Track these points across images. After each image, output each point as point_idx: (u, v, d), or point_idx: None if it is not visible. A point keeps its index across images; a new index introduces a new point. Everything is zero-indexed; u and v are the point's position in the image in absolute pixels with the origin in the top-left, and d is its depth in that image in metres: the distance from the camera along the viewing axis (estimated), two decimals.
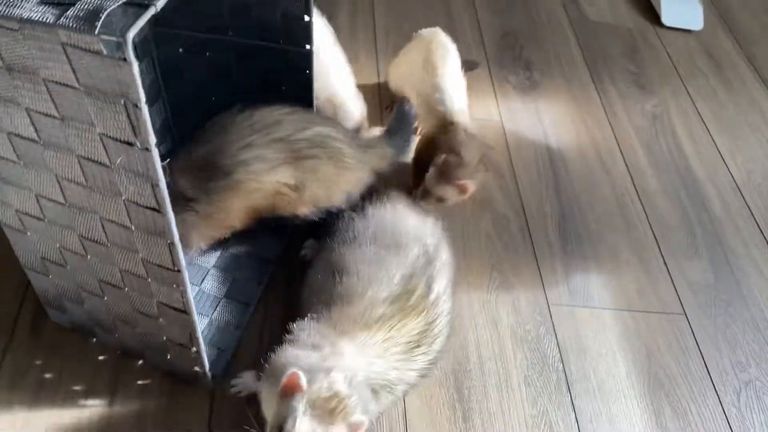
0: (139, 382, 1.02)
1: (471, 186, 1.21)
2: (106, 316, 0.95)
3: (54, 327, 1.06)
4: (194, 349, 0.91)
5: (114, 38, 0.54)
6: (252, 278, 1.16)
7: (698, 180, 1.61)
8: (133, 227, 0.75)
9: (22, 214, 0.83)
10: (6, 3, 0.59)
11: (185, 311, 0.83)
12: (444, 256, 1.08)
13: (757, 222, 1.54)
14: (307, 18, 1.03)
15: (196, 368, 0.95)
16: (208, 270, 1.16)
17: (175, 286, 0.79)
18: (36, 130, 0.70)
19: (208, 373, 0.97)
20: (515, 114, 1.64)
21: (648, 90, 1.82)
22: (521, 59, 1.79)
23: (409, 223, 1.08)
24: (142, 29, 0.57)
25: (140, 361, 1.03)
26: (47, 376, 1.00)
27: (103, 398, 1.00)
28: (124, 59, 0.57)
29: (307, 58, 1.09)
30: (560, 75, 1.78)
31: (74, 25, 0.56)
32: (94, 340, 1.05)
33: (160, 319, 0.89)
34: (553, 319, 1.26)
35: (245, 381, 1.02)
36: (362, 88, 1.39)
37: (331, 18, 1.68)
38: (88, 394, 1.00)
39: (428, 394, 1.12)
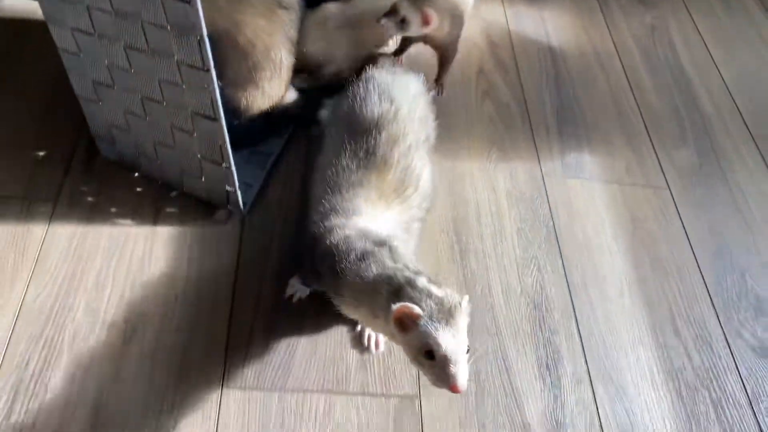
0: (178, 210, 1.17)
1: (434, 20, 1.29)
2: (148, 141, 1.10)
3: (104, 162, 1.21)
4: (224, 164, 1.05)
5: None
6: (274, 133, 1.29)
7: (691, 82, 1.72)
8: (168, 26, 0.88)
9: (76, 31, 0.96)
10: None
11: (215, 118, 0.97)
12: (419, 112, 1.15)
13: (744, 120, 1.65)
14: None
15: (228, 187, 1.09)
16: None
17: (205, 86, 0.93)
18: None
19: (239, 192, 1.11)
20: (521, 19, 1.76)
21: (649, 5, 1.92)
22: None
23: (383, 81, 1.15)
24: None
25: (177, 192, 1.19)
26: (99, 201, 1.16)
27: (147, 221, 1.15)
28: None
29: None
30: None
31: None
32: (137, 175, 1.20)
33: (195, 134, 1.03)
34: (546, 186, 1.39)
35: (298, 286, 1.08)
36: None
37: None
38: (134, 216, 1.16)
39: (432, 239, 1.26)
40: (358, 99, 1.11)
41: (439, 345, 0.79)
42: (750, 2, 2.03)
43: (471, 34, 1.66)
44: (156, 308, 1.06)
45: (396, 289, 0.84)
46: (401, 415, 1.03)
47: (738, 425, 1.12)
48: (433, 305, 0.81)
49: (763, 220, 1.44)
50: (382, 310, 0.85)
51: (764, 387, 1.18)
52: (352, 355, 1.08)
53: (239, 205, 1.15)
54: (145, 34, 0.91)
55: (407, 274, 0.86)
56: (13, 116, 1.26)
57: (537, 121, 1.51)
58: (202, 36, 0.86)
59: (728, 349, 1.21)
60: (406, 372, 1.07)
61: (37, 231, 1.11)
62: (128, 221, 1.15)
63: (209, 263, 1.13)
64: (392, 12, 1.28)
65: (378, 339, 1.07)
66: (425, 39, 1.40)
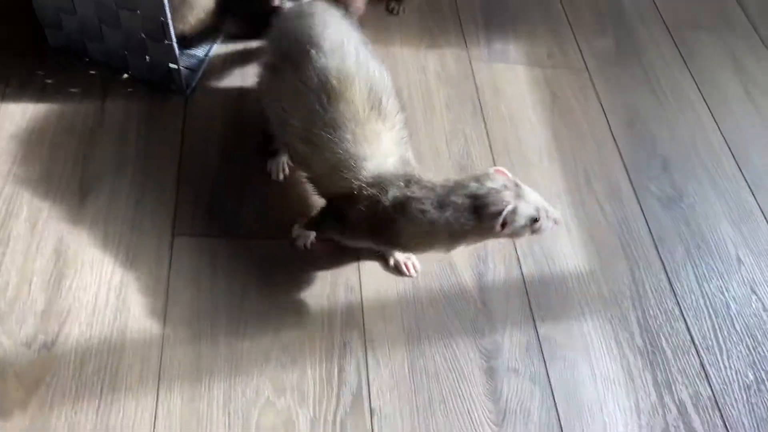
0: (126, 90, 1.26)
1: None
2: (94, 23, 1.17)
3: (52, 49, 1.28)
4: (167, 41, 1.13)
5: None
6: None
7: None
8: None
9: None
10: None
11: None
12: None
13: (658, 9, 1.78)
14: None
15: (171, 65, 1.18)
16: None
17: None
18: None
19: (182, 69, 1.19)
20: None
21: None
22: None
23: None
24: None
25: (125, 75, 1.26)
26: (49, 81, 1.23)
27: (96, 99, 1.23)
28: None
29: None
30: None
31: None
32: (87, 60, 1.27)
33: (138, 11, 1.10)
34: (474, 69, 1.50)
35: (301, 232, 1.11)
36: None
37: None
38: (83, 96, 1.23)
39: None
40: (288, 29, 1.07)
41: (536, 209, 0.95)
42: None
43: None
44: (109, 170, 1.15)
45: (470, 206, 0.94)
46: (341, 254, 1.14)
47: (644, 262, 1.26)
48: (504, 195, 0.93)
49: (673, 97, 1.57)
50: (472, 228, 0.94)
51: (667, 231, 1.32)
52: (296, 208, 1.18)
53: (182, 84, 1.23)
54: None
55: (461, 191, 0.95)
56: None
57: (465, 12, 1.61)
58: None
59: (636, 201, 1.35)
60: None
61: None
62: (78, 100, 1.22)
63: (157, 134, 1.21)
64: None
65: (414, 262, 1.14)
66: None
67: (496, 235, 0.96)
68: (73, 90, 1.24)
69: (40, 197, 1.10)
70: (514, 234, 0.96)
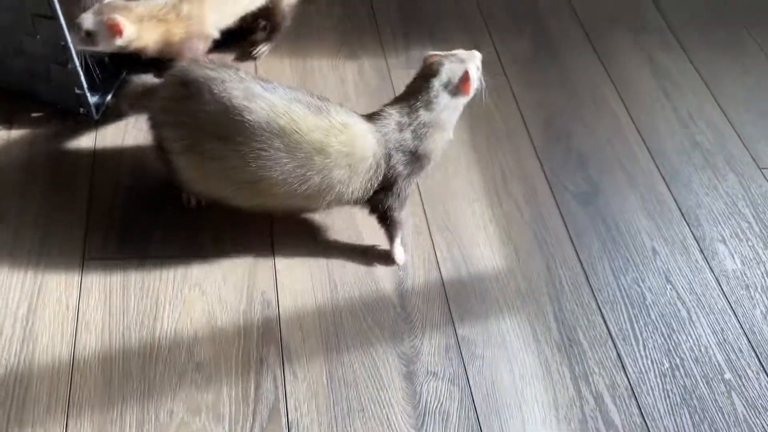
0: (33, 115, 1.24)
1: (125, 27, 1.16)
2: None
3: None
4: (70, 65, 1.12)
5: None
6: None
7: None
8: None
9: None
10: None
11: (53, 17, 1.04)
12: None
13: (575, 10, 1.82)
14: None
15: (77, 90, 1.17)
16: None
17: None
18: None
19: (88, 94, 1.18)
20: None
21: None
22: None
23: None
24: None
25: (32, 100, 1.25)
26: None
27: (2, 125, 1.21)
28: None
29: None
30: None
31: None
32: None
33: (38, 36, 1.09)
34: (392, 77, 1.52)
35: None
36: None
37: None
38: None
39: None
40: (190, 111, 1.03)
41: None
42: None
43: None
44: (16, 199, 1.13)
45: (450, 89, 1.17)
46: (256, 268, 1.14)
47: (560, 257, 1.29)
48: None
49: (589, 94, 1.62)
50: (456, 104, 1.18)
51: (583, 227, 1.35)
52: (209, 225, 1.18)
53: (91, 108, 1.22)
54: None
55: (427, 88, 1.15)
56: None
57: (383, 21, 1.63)
58: None
59: (553, 199, 1.38)
60: (258, 236, 1.19)
61: None
62: None
63: (67, 160, 1.20)
64: (74, 26, 1.12)
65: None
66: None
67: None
68: None
69: None
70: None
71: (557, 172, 1.43)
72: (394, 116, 1.13)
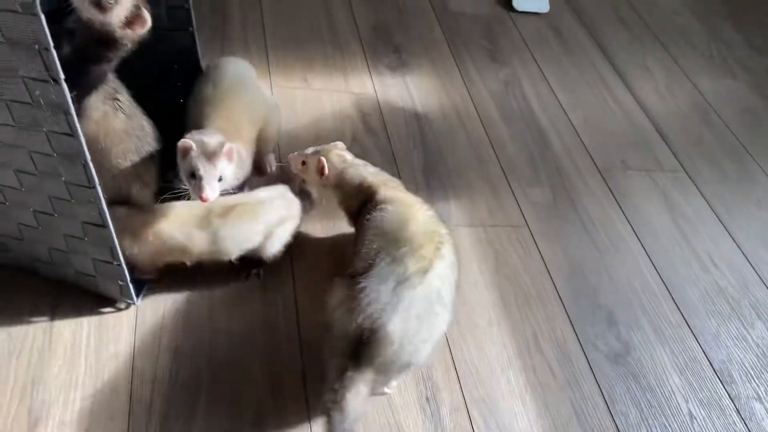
0: (75, 302, 1.27)
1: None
2: (42, 249, 1.20)
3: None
4: (116, 262, 1.16)
5: None
6: None
7: (542, 128, 1.95)
8: (55, 154, 1.01)
9: None
10: None
11: (103, 225, 1.09)
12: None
13: (590, 154, 1.89)
14: (187, 6, 1.33)
15: (120, 281, 1.20)
16: None
17: (92, 201, 1.05)
18: None
19: (130, 285, 1.22)
20: (388, 88, 1.95)
21: (501, 62, 2.17)
22: (391, 44, 2.11)
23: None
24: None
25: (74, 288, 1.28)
26: None
27: (44, 315, 1.24)
28: (34, 13, 0.84)
29: (192, 38, 1.38)
30: (425, 55, 2.11)
31: None
32: (35, 277, 1.29)
33: (86, 239, 1.14)
34: None
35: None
36: None
37: (225, 17, 1.99)
38: (32, 313, 1.24)
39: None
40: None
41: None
42: (591, 49, 2.32)
43: (344, 107, 1.84)
44: (60, 394, 1.14)
45: None
46: None
47: (597, 426, 1.29)
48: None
49: (609, 241, 1.65)
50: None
51: (618, 390, 1.35)
52: (250, 408, 1.18)
53: (132, 296, 1.25)
54: (33, 161, 1.03)
55: None
56: None
57: (406, 178, 1.68)
58: (86, 161, 0.99)
59: (585, 360, 1.39)
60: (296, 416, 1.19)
61: None
62: (26, 319, 1.23)
63: (107, 349, 1.22)
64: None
65: None
66: None
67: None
68: (22, 308, 1.24)
69: None
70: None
71: (587, 330, 1.44)
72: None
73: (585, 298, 1.51)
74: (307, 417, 1.19)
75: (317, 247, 1.48)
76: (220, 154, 1.22)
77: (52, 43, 0.88)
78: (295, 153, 1.42)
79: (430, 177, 1.71)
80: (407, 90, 1.97)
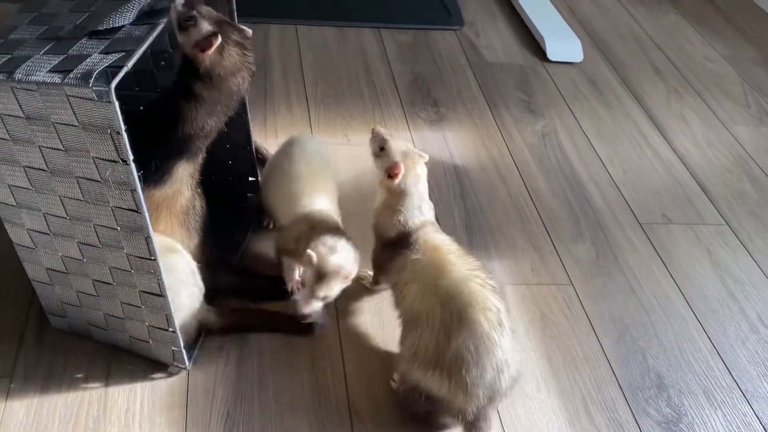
0: (129, 367, 1.28)
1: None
2: (99, 315, 1.21)
3: (55, 331, 1.31)
4: (171, 329, 1.17)
5: (106, 85, 0.84)
6: None
7: (582, 181, 1.95)
8: (118, 228, 1.03)
9: (32, 231, 1.10)
10: (25, 72, 0.89)
11: (161, 295, 1.10)
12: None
13: (630, 208, 1.88)
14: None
15: (174, 347, 1.21)
16: None
17: (152, 272, 1.07)
18: (45, 162, 0.98)
19: (184, 351, 1.23)
20: (426, 141, 1.97)
21: (537, 113, 2.18)
22: (429, 98, 2.14)
23: None
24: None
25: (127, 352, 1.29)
26: (52, 370, 1.25)
27: (99, 381, 1.25)
28: (109, 101, 0.86)
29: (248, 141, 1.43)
30: (463, 108, 2.13)
31: (75, 83, 0.86)
32: (89, 341, 1.30)
33: (143, 307, 1.15)
34: None
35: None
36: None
37: (266, 75, 2.03)
38: (87, 378, 1.25)
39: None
40: None
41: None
42: (626, 99, 2.33)
43: None
44: None
45: None
46: None
47: None
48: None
49: (655, 300, 1.63)
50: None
51: None
52: None
53: (185, 361, 1.26)
54: (97, 234, 1.05)
55: None
56: None
57: (448, 234, 1.68)
58: (149, 235, 1.01)
59: (637, 428, 1.36)
60: None
61: None
62: (81, 385, 1.24)
63: (160, 416, 1.22)
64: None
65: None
66: None
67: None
68: (77, 375, 1.25)
69: None
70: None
71: (637, 395, 1.42)
72: None
73: (634, 360, 1.49)
74: None
75: (363, 308, 1.49)
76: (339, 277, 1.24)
77: (123, 127, 0.90)
78: (382, 131, 1.35)
79: (472, 233, 1.72)
80: (446, 143, 1.98)
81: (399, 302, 1.28)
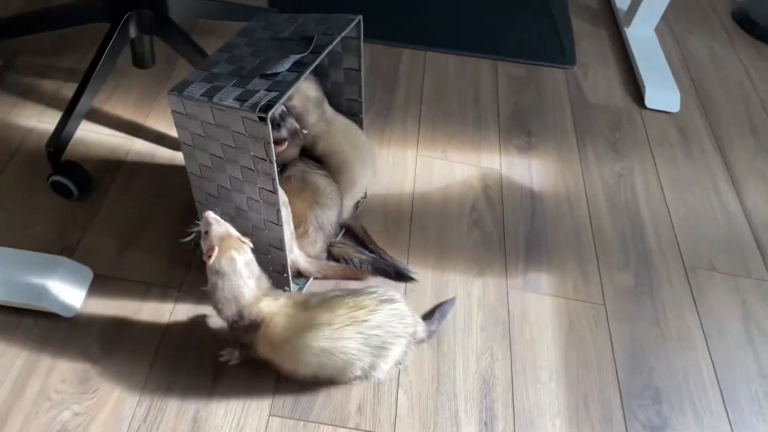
0: None
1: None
2: None
3: None
4: (282, 250, 1.64)
5: (265, 114, 1.34)
6: None
7: (642, 220, 2.24)
8: (260, 201, 1.52)
9: (209, 195, 1.64)
10: (219, 98, 1.41)
11: (278, 223, 1.57)
12: None
13: (680, 251, 2.15)
14: (360, 100, 1.83)
15: (284, 263, 1.68)
16: None
17: (273, 203, 1.53)
18: (223, 152, 1.51)
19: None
20: (512, 166, 2.34)
21: (621, 154, 2.47)
22: (525, 128, 2.50)
23: None
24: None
25: None
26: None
27: None
28: (265, 123, 1.36)
29: (360, 123, 1.89)
30: (553, 141, 2.47)
31: (248, 111, 1.37)
32: None
33: (266, 231, 1.64)
34: (509, 297, 1.94)
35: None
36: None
37: (392, 93, 2.48)
38: None
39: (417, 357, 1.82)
40: None
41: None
42: (711, 154, 2.54)
43: (469, 177, 2.26)
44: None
45: None
46: None
47: None
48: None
49: (676, 331, 1.92)
50: None
51: None
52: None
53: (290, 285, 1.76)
54: (246, 203, 1.57)
55: None
56: (164, 224, 1.94)
57: (510, 247, 2.07)
58: (279, 208, 1.51)
59: (624, 426, 1.69)
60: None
61: (166, 310, 1.75)
62: None
63: None
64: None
65: None
66: None
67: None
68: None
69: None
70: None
71: (633, 402, 1.74)
72: None
73: (639, 375, 1.80)
74: None
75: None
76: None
77: (272, 139, 1.40)
78: (211, 216, 1.44)
79: (531, 248, 2.08)
80: (529, 170, 2.34)
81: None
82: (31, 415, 1.47)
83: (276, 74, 1.47)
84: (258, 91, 1.42)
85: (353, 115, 1.90)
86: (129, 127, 2.18)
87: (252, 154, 1.45)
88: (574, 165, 2.39)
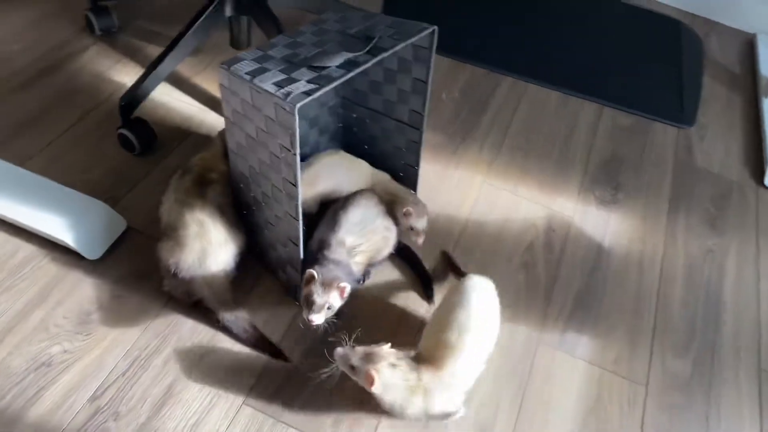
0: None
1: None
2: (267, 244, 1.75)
3: None
4: (297, 246, 1.60)
5: (293, 105, 1.32)
6: None
7: (723, 306, 1.96)
8: (282, 191, 1.51)
9: (242, 175, 1.65)
10: (260, 80, 1.41)
11: (296, 218, 1.53)
12: None
13: (759, 351, 1.86)
14: (422, 113, 1.77)
15: (300, 260, 1.66)
16: None
17: (291, 197, 1.50)
18: (256, 134, 1.51)
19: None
20: (587, 216, 2.16)
21: (718, 231, 2.20)
22: (615, 180, 2.30)
23: None
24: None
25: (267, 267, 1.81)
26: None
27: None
28: (293, 115, 1.34)
29: (420, 134, 1.82)
30: (642, 200, 2.25)
31: (280, 98, 1.35)
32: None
33: (285, 222, 1.61)
34: (537, 350, 1.77)
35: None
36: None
37: (478, 118, 2.39)
38: None
39: None
40: None
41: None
42: None
43: (535, 217, 2.11)
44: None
45: None
46: None
47: None
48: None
49: None
50: None
51: None
52: None
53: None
54: (271, 189, 1.57)
55: None
56: None
57: (556, 299, 1.90)
58: (298, 201, 1.49)
59: None
60: None
61: None
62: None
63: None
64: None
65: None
66: None
67: None
68: None
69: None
70: None
71: None
72: None
73: None
74: None
75: None
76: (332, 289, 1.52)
77: (297, 130, 1.37)
78: (343, 351, 1.41)
79: (579, 305, 1.89)
80: (604, 225, 2.14)
81: None
82: (26, 340, 1.56)
83: (324, 68, 1.45)
84: (299, 80, 1.41)
85: (413, 127, 1.84)
86: (210, 101, 2.27)
87: (279, 141, 1.44)
88: (658, 229, 2.16)
